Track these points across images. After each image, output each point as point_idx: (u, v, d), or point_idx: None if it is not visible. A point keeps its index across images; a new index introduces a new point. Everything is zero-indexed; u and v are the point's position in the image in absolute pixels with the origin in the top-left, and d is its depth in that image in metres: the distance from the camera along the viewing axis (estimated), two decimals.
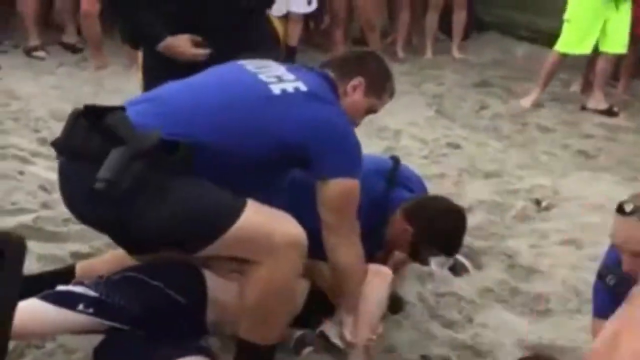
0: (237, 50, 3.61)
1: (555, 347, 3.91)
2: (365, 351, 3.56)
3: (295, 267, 3.18)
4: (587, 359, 3.17)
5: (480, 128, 7.58)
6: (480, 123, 7.75)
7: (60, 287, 3.30)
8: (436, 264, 4.46)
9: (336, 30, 9.65)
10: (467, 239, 4.34)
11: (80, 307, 3.19)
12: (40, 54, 8.76)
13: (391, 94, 3.74)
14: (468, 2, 10.27)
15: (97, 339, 3.29)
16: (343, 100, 3.50)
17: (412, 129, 7.28)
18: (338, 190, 3.26)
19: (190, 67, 3.62)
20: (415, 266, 4.30)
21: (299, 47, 9.24)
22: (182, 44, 3.99)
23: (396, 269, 4.17)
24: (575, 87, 8.94)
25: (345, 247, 3.36)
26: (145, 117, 3.13)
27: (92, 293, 3.24)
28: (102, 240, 4.18)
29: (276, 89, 3.27)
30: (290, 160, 3.30)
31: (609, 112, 8.18)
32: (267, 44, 4.09)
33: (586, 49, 8.16)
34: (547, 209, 5.64)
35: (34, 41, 8.83)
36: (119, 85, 7.91)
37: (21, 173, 5.34)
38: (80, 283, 3.35)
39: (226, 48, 3.69)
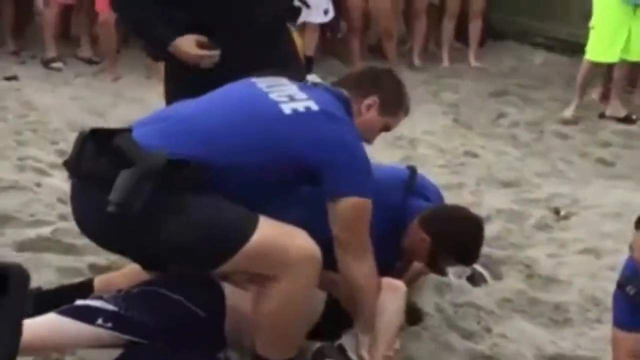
0: (258, 67, 3.58)
1: (575, 357, 3.90)
2: None
3: (311, 281, 3.18)
4: None
5: (498, 136, 7.56)
6: (497, 131, 7.73)
7: (79, 302, 3.30)
8: (454, 275, 4.45)
9: (353, 39, 9.65)
10: (486, 249, 4.32)
11: (99, 321, 3.19)
12: (58, 65, 8.80)
13: (406, 112, 3.73)
14: (483, 11, 10.26)
15: (116, 352, 3.29)
16: (357, 118, 3.49)
17: (429, 138, 7.26)
18: (349, 209, 3.25)
19: (210, 80, 3.60)
20: (433, 277, 4.28)
21: (315, 56, 9.25)
22: (186, 43, 3.95)
23: (414, 280, 4.16)
24: (594, 95, 8.90)
25: (358, 265, 3.35)
26: (154, 138, 3.13)
27: (110, 307, 3.24)
28: None
29: (287, 108, 3.26)
30: (300, 178, 3.30)
31: (628, 120, 8.14)
32: (288, 61, 4.05)
33: (613, 57, 8.08)
34: (566, 217, 5.61)
35: (51, 53, 8.86)
36: (137, 95, 7.95)
37: (39, 185, 5.35)
38: (99, 297, 3.35)
39: (246, 64, 3.66)
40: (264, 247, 3.10)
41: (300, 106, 3.28)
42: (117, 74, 8.66)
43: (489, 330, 4.09)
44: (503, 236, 5.20)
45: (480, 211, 4.95)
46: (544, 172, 6.58)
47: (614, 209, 5.70)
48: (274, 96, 3.31)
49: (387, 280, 3.59)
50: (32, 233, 4.55)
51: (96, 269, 4.14)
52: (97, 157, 3.08)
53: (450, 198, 4.76)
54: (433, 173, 5.59)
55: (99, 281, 3.74)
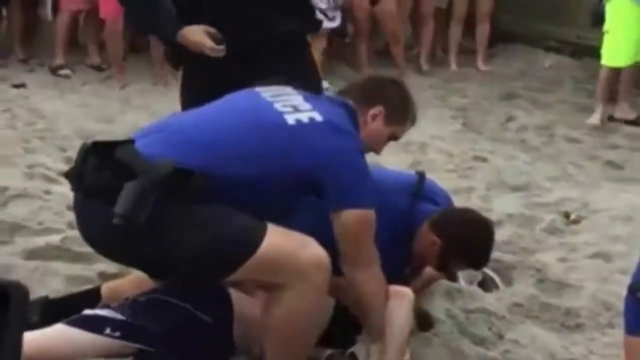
0: (276, 77, 3.56)
1: None
2: None
3: (320, 289, 3.17)
4: None
5: (507, 140, 7.54)
6: (506, 135, 7.71)
7: (87, 311, 3.29)
8: (465, 280, 4.43)
9: (360, 43, 9.64)
10: (496, 254, 4.30)
11: (107, 330, 3.18)
12: (66, 72, 8.81)
13: (413, 121, 3.71)
14: (491, 14, 10.24)
15: None
16: (363, 128, 3.48)
17: (438, 143, 7.25)
18: (352, 221, 3.24)
19: (227, 87, 3.59)
20: (444, 282, 4.26)
21: (324, 60, 9.23)
22: (194, 29, 3.92)
23: (426, 287, 4.15)
24: None
25: (365, 276, 3.34)
26: (156, 148, 3.12)
27: (118, 316, 3.23)
28: None
29: (291, 119, 3.24)
30: (302, 189, 3.29)
31: (637, 122, 8.11)
32: (307, 75, 4.02)
33: (627, 61, 8.04)
34: (576, 222, 5.59)
35: (60, 60, 8.87)
36: (145, 102, 7.96)
37: (48, 192, 5.34)
38: (107, 306, 3.34)
39: (265, 74, 3.63)
40: (274, 255, 3.09)
41: (304, 117, 3.26)
42: (125, 81, 8.66)
43: (500, 336, 4.06)
44: (513, 241, 5.18)
45: (490, 216, 4.92)
46: (554, 176, 6.56)
47: (624, 212, 5.67)
48: (278, 106, 3.29)
49: (394, 288, 3.57)
50: (41, 241, 4.54)
51: (105, 276, 4.13)
52: (99, 169, 3.06)
53: (459, 203, 4.74)
54: (442, 178, 5.58)
55: (106, 289, 3.73)
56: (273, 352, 3.25)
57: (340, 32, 9.89)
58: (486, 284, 4.50)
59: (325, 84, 4.15)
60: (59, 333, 3.15)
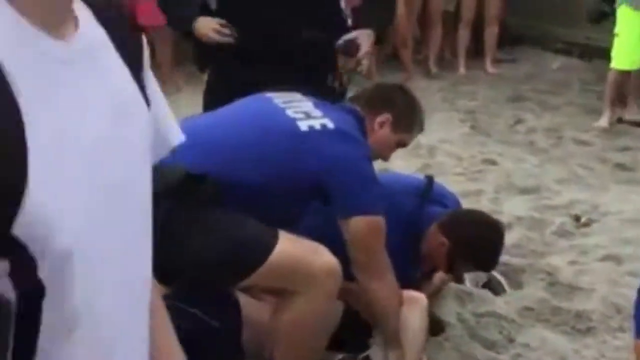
0: (298, 83, 3.56)
1: None
2: None
3: (331, 295, 3.18)
4: None
5: (516, 143, 7.52)
6: (515, 138, 7.69)
7: None
8: (471, 282, 4.43)
9: None
10: (506, 257, 4.29)
11: None
12: None
13: (420, 128, 3.74)
14: (499, 16, 10.24)
15: None
16: (371, 135, 3.49)
17: (447, 146, 7.24)
18: (362, 228, 3.25)
19: (248, 91, 3.58)
20: (454, 286, 4.26)
21: None
22: (205, 22, 3.92)
23: (438, 292, 4.14)
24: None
25: (378, 284, 3.35)
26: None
27: None
28: None
29: (303, 125, 3.26)
30: (312, 196, 3.30)
31: None
32: (330, 79, 4.00)
33: (637, 64, 8.01)
34: (586, 224, 5.57)
35: None
36: None
37: None
38: None
39: (286, 80, 3.62)
40: (286, 262, 3.09)
41: (316, 124, 3.27)
42: None
43: (511, 340, 4.06)
44: (523, 244, 5.17)
45: (499, 219, 4.91)
46: (563, 179, 6.54)
47: (634, 215, 5.66)
48: (290, 112, 3.30)
49: (408, 294, 3.57)
50: None
51: None
52: None
53: (468, 206, 4.74)
54: (451, 181, 5.57)
55: None
56: (282, 357, 3.25)
57: None
58: (493, 286, 4.49)
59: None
60: None
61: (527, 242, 5.21)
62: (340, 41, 3.94)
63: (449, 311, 4.19)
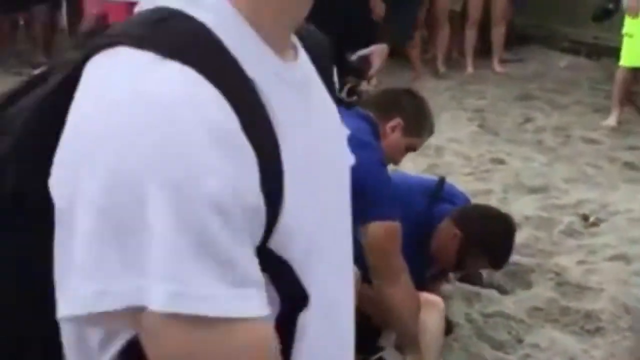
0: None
1: None
2: None
3: None
4: None
5: (524, 142, 7.51)
6: (524, 137, 7.68)
7: None
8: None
9: None
10: (514, 257, 4.28)
11: None
12: None
13: (430, 132, 3.75)
14: (507, 16, 10.23)
15: None
16: (383, 140, 3.50)
17: (455, 145, 7.23)
18: (379, 233, 3.26)
19: None
20: (462, 286, 4.25)
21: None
22: None
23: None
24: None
25: (394, 289, 3.35)
26: None
27: None
28: None
29: None
30: None
31: None
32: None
33: None
34: (595, 224, 5.56)
35: None
36: None
37: None
38: None
39: None
40: None
41: None
42: None
43: (519, 340, 4.05)
44: (531, 243, 5.16)
45: None
46: (572, 178, 6.53)
47: None
48: None
49: (425, 297, 3.57)
50: None
51: None
52: None
53: None
54: (459, 181, 5.56)
55: None
56: None
57: None
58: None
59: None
60: None
61: (536, 242, 5.20)
62: (355, 57, 3.93)
63: (457, 311, 4.19)
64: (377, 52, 3.94)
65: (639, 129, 7.97)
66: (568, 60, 10.38)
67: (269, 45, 1.15)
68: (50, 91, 1.16)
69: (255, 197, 1.05)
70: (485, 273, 4.54)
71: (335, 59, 3.88)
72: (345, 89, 3.94)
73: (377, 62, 3.93)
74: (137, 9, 1.17)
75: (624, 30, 8.01)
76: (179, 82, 1.03)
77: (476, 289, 4.37)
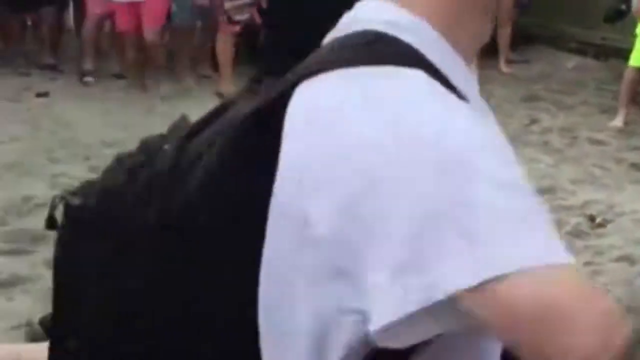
0: None
1: None
2: None
3: None
4: None
5: (530, 143, 7.50)
6: (530, 138, 7.67)
7: None
8: None
9: None
10: None
11: None
12: (89, 79, 8.81)
13: None
14: (512, 16, 10.23)
15: None
16: None
17: None
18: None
19: None
20: None
21: None
22: None
23: None
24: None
25: None
26: None
27: None
28: None
29: None
30: None
31: None
32: None
33: None
34: (601, 225, 5.55)
35: (88, 65, 8.88)
36: (169, 109, 7.97)
37: None
38: None
39: None
40: None
41: None
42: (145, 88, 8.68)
43: None
44: None
45: None
46: (578, 179, 6.53)
47: None
48: None
49: None
50: None
51: None
52: None
53: None
54: None
55: None
56: None
57: None
58: None
59: None
60: None
61: None
62: None
63: None
64: None
65: None
66: (575, 61, 10.36)
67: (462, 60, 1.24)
68: (245, 119, 1.20)
69: None
70: None
71: None
72: None
73: None
74: (331, 36, 1.29)
75: (637, 30, 8.00)
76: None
77: None
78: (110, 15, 9.00)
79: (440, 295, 1.02)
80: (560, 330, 1.02)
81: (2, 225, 4.87)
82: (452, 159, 1.07)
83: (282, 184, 1.15)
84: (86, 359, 1.44)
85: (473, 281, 1.01)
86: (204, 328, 1.28)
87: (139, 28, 8.52)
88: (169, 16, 8.80)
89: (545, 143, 7.51)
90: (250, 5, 4.06)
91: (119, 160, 1.51)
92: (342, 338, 1.12)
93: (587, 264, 4.94)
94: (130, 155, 1.56)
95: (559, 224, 5.51)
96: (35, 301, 3.93)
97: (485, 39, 1.32)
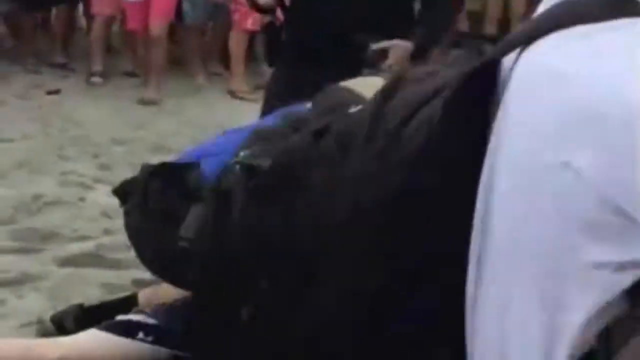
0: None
1: None
2: None
3: None
4: None
5: None
6: None
7: (120, 317, 3.29)
8: None
9: None
10: None
11: (140, 335, 3.17)
12: (98, 79, 8.78)
13: None
14: (525, 14, 10.22)
15: None
16: None
17: None
18: None
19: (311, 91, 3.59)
20: None
21: None
22: None
23: None
24: None
25: None
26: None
27: (151, 321, 3.22)
28: None
29: None
30: None
31: None
32: None
33: None
34: None
35: (97, 66, 8.87)
36: (178, 108, 7.97)
37: (82, 199, 5.35)
38: (141, 311, 3.33)
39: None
40: None
41: None
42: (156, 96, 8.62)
43: None
44: None
45: None
46: None
47: None
48: None
49: None
50: (75, 248, 4.54)
51: (140, 284, 4.12)
52: (164, 192, 3.06)
53: None
54: None
55: (143, 295, 3.73)
56: None
57: None
58: None
59: None
60: (91, 338, 3.14)
61: None
62: (374, 47, 3.87)
63: None
64: (397, 46, 3.88)
65: None
66: None
67: None
68: (455, 87, 1.30)
69: None
70: None
71: (358, 46, 3.83)
72: None
73: (392, 59, 3.86)
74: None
75: None
76: None
77: None
78: (123, 15, 9.00)
79: None
80: None
81: (12, 223, 4.86)
82: None
83: (515, 139, 1.23)
84: (275, 296, 1.72)
85: None
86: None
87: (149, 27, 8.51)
88: (180, 15, 8.76)
89: None
90: None
91: (290, 124, 1.77)
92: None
93: None
94: (300, 120, 1.79)
95: None
96: (45, 299, 3.92)
97: None
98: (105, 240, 4.66)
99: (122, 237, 3.85)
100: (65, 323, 3.54)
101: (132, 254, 4.42)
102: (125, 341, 3.17)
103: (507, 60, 1.31)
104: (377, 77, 3.13)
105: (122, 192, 3.25)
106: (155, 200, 3.07)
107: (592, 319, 1.22)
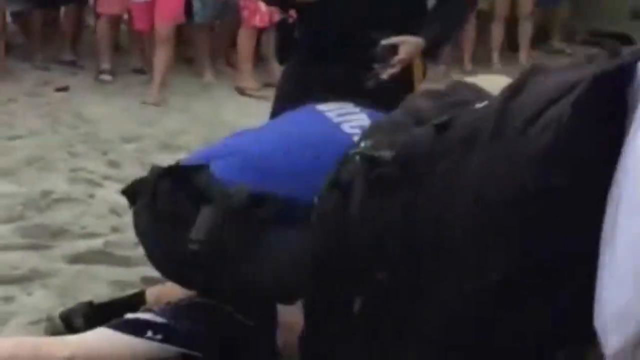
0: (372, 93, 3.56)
1: None
2: None
3: None
4: None
5: None
6: None
7: (129, 315, 3.29)
8: None
9: None
10: None
11: (149, 333, 3.18)
12: (107, 77, 8.77)
13: None
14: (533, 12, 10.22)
15: None
16: None
17: None
18: None
19: (321, 90, 3.58)
20: None
21: None
22: None
23: None
24: None
25: None
26: (231, 173, 3.08)
27: (160, 319, 3.23)
28: None
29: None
30: None
31: None
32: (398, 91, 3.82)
33: None
34: None
35: (105, 64, 8.86)
36: (185, 105, 7.97)
37: (91, 196, 5.36)
38: (149, 310, 3.34)
39: (358, 90, 3.60)
40: None
41: None
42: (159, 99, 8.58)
43: None
44: None
45: None
46: None
47: None
48: (346, 128, 3.23)
49: None
50: (84, 245, 4.54)
51: (148, 281, 4.12)
52: (174, 194, 3.05)
53: None
54: None
55: (150, 293, 3.73)
56: None
57: None
58: None
59: None
60: (100, 336, 3.15)
61: None
62: (383, 43, 3.84)
63: None
64: (408, 41, 3.84)
65: None
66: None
67: None
68: (586, 89, 1.32)
69: None
70: None
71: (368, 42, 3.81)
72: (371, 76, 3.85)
73: (403, 52, 3.82)
74: None
75: None
76: None
77: None
78: (129, 15, 8.99)
79: None
80: None
81: (21, 219, 4.86)
82: None
83: None
84: (393, 289, 1.69)
85: None
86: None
87: None
88: (190, 13, 8.73)
89: None
90: None
91: (412, 117, 1.81)
92: None
93: None
94: (418, 109, 1.84)
95: None
96: (54, 296, 3.92)
97: None
98: (114, 237, 4.67)
99: (131, 234, 3.87)
100: (74, 320, 3.54)
101: (140, 251, 4.44)
102: (134, 340, 3.18)
103: None
104: (503, 76, 3.11)
105: (131, 192, 3.26)
106: (165, 201, 3.07)
107: None
